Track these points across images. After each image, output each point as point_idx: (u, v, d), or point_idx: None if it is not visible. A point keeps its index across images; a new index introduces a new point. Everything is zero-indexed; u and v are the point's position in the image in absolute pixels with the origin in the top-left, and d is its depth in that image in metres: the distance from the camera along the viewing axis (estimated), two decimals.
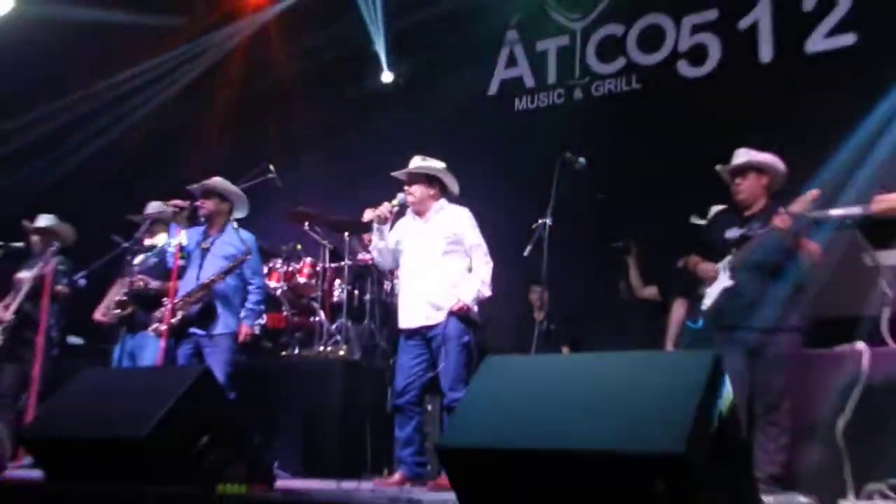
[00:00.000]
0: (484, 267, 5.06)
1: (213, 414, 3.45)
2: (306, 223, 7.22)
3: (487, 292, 5.03)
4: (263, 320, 6.83)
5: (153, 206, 6.06)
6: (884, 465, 4.43)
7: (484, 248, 5.10)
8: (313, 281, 7.04)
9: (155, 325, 5.36)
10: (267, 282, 6.92)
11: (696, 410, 2.32)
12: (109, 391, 3.73)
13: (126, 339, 5.85)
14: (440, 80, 8.53)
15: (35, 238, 6.41)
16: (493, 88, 8.53)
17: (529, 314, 6.95)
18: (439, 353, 4.95)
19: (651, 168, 7.00)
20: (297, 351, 6.84)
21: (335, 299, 7.00)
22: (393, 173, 5.31)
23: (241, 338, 5.51)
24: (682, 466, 2.24)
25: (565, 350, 6.73)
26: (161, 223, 5.94)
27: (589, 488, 2.38)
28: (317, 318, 6.88)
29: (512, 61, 8.44)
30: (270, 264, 7.16)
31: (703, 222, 5.23)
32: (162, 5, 8.86)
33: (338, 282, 7.03)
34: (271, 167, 6.89)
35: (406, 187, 5.20)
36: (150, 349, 5.72)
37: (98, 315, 6.23)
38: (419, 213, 5.22)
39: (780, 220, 4.53)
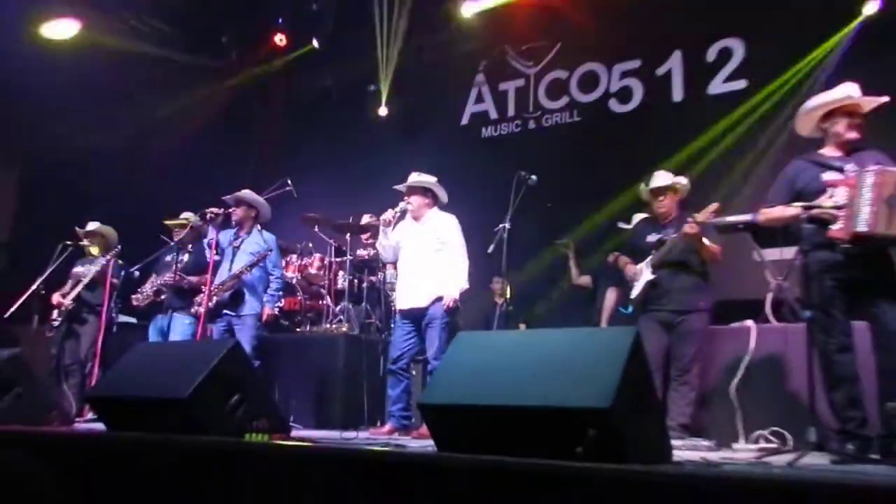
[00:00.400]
0: (462, 264, 5.06)
1: (242, 378, 3.41)
2: (315, 226, 7.21)
3: (466, 285, 5.04)
4: (282, 304, 6.82)
5: (187, 215, 6.04)
6: (766, 416, 4.49)
7: (464, 249, 5.10)
8: (321, 272, 7.02)
9: (195, 308, 5.35)
10: (284, 272, 6.90)
11: (620, 374, 2.34)
12: (159, 360, 3.68)
13: (158, 319, 5.86)
14: (424, 112, 8.56)
15: (86, 241, 6.36)
16: (464, 119, 8.56)
17: (492, 299, 6.98)
18: (426, 330, 5.00)
19: (588, 183, 7.05)
20: (308, 328, 6.81)
21: (339, 286, 6.98)
22: (395, 186, 5.31)
23: (263, 318, 5.49)
24: (608, 418, 2.27)
25: (522, 327, 6.75)
26: (194, 229, 5.92)
27: (537, 435, 2.39)
28: (324, 302, 6.86)
29: (480, 98, 8.48)
30: (287, 258, 7.13)
31: (628, 227, 5.27)
32: (206, 48, 8.77)
33: (341, 273, 7.01)
34: (289, 181, 6.86)
35: (406, 197, 5.20)
36: (178, 327, 5.71)
37: (134, 301, 6.17)
38: (416, 218, 5.23)
39: (690, 228, 4.59)
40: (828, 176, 3.58)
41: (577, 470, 2.19)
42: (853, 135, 3.67)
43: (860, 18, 6.08)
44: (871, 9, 6.03)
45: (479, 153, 8.13)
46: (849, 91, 3.72)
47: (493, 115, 8.33)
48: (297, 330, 6.79)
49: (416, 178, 5.23)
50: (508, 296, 7.02)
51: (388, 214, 5.15)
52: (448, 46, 8.27)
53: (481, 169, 7.61)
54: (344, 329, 6.45)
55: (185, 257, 5.79)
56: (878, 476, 2.57)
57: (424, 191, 5.21)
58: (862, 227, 3.36)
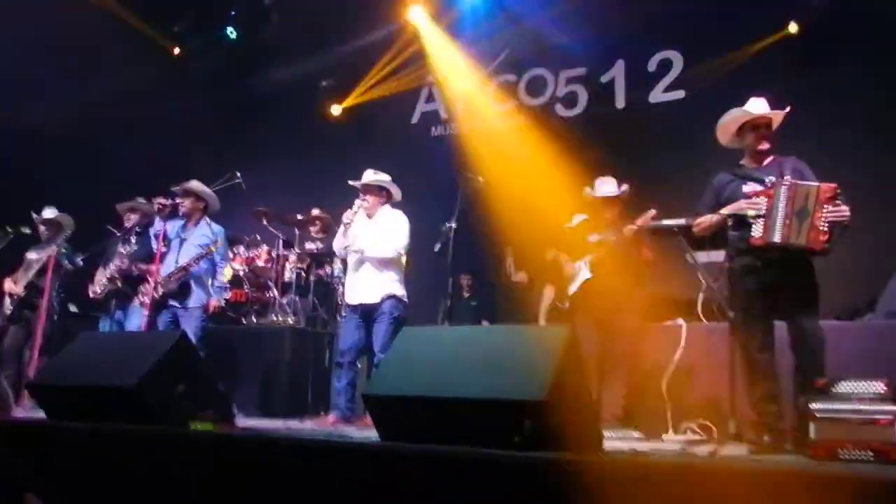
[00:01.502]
0: (392, 250, 5.09)
1: (188, 369, 3.43)
2: (264, 219, 7.17)
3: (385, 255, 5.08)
4: (228, 295, 6.76)
5: (138, 201, 5.94)
6: (694, 410, 4.70)
7: (403, 243, 5.12)
8: (269, 264, 6.99)
9: (141, 299, 5.29)
10: (231, 264, 6.85)
11: (554, 368, 2.47)
12: (105, 349, 3.67)
13: (115, 311, 5.73)
14: (377, 110, 8.56)
15: (42, 227, 6.20)
16: (415, 118, 8.59)
17: (459, 294, 7.11)
18: (375, 324, 5.04)
19: (533, 184, 7.16)
20: (255, 320, 6.78)
21: (286, 279, 6.97)
22: (351, 182, 5.33)
23: (210, 310, 5.46)
24: (542, 409, 2.38)
25: (485, 323, 6.82)
26: (144, 215, 5.83)
27: (475, 425, 2.49)
28: (271, 294, 6.84)
29: (430, 98, 8.52)
30: (235, 250, 7.07)
31: (570, 225, 5.42)
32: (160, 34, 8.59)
33: (288, 265, 7.00)
34: (238, 174, 6.80)
35: (361, 195, 5.22)
36: (135, 318, 5.59)
37: (91, 294, 6.02)
38: (369, 215, 5.26)
39: (628, 231, 4.79)
40: (748, 188, 3.80)
41: (514, 458, 2.30)
42: (763, 146, 3.91)
43: (780, 35, 6.38)
44: (794, 28, 6.33)
45: (428, 150, 8.18)
46: (755, 106, 3.95)
47: (444, 114, 8.39)
48: (243, 321, 6.76)
49: (372, 176, 5.28)
50: (474, 292, 7.20)
51: (349, 215, 5.17)
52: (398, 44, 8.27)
53: (430, 167, 7.67)
54: (290, 321, 6.45)
55: (133, 245, 5.68)
56: (786, 463, 2.76)
57: (380, 189, 5.26)
58: (776, 238, 3.61)
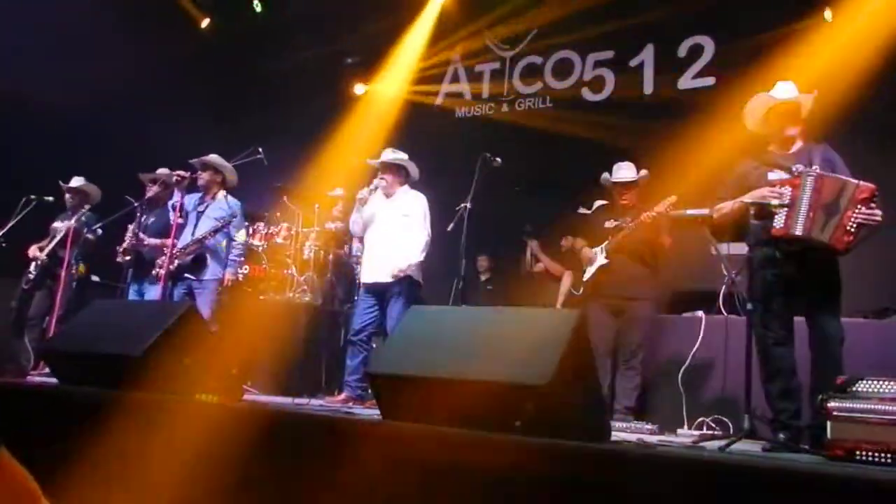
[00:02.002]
0: (420, 238, 5.08)
1: (196, 340, 3.42)
2: (285, 196, 7.16)
3: (417, 259, 5.06)
4: (246, 270, 6.77)
5: (161, 171, 5.95)
6: (710, 404, 4.61)
7: (426, 225, 5.11)
8: (288, 241, 6.98)
9: (156, 271, 5.30)
10: (251, 240, 6.85)
11: (560, 354, 2.39)
12: (115, 318, 3.67)
13: (133, 282, 5.73)
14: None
15: (68, 196, 6.25)
16: (439, 99, 8.50)
17: (477, 276, 7.09)
18: (389, 304, 5.04)
19: (556, 168, 7.07)
20: (272, 296, 6.78)
21: (305, 257, 6.96)
22: (369, 161, 5.30)
23: (224, 282, 5.46)
24: (545, 394, 2.32)
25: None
26: (167, 186, 5.83)
27: (477, 408, 2.43)
28: (289, 272, 6.83)
29: (455, 79, 8.42)
30: (255, 226, 7.07)
31: (588, 212, 5.33)
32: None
33: (307, 243, 6.99)
34: (260, 150, 6.79)
35: (381, 174, 5.20)
36: (153, 289, 5.61)
37: (119, 259, 6.07)
38: (387, 195, 5.23)
39: (647, 217, 4.67)
40: (774, 175, 3.66)
41: (513, 442, 2.24)
42: (790, 131, 3.76)
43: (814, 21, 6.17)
44: (829, 15, 6.11)
45: (453, 133, 8.10)
46: (782, 90, 3.80)
47: (468, 96, 8.30)
48: (261, 297, 6.76)
49: (390, 155, 5.24)
50: (491, 275, 7.15)
51: (364, 192, 5.16)
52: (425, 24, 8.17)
53: (454, 149, 7.57)
54: (306, 299, 6.44)
55: (151, 217, 5.69)
56: (800, 462, 2.67)
57: (398, 168, 5.22)
58: (797, 231, 3.47)
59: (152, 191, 5.85)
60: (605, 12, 7.26)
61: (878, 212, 3.38)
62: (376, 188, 5.19)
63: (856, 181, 3.44)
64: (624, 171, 4.99)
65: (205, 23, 8.90)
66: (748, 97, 6.07)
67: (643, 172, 5.01)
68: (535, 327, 2.59)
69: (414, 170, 5.27)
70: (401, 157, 5.23)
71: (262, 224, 7.14)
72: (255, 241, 6.90)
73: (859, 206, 3.37)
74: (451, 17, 8.09)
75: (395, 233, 5.08)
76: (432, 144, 7.70)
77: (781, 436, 3.46)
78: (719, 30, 6.77)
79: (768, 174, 3.69)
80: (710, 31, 6.83)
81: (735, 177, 3.89)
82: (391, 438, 2.45)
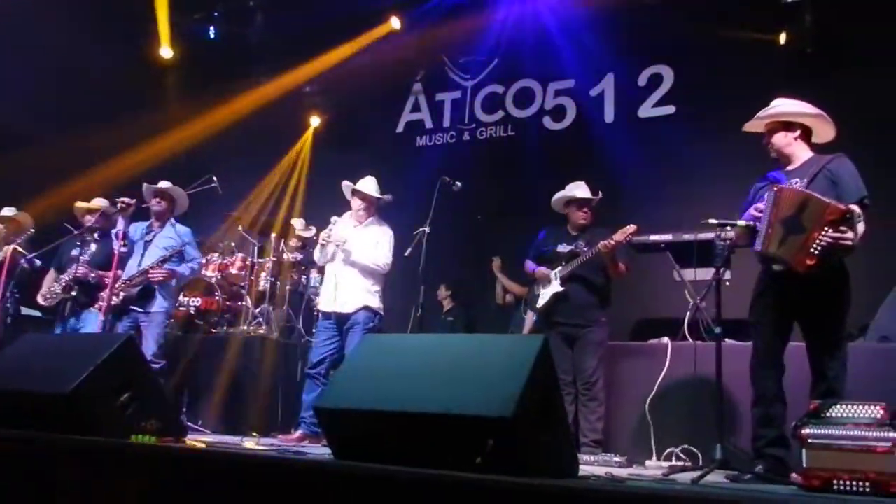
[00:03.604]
0: (379, 262, 4.98)
1: (134, 376, 3.16)
2: (239, 225, 6.94)
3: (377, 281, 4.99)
4: (199, 303, 6.51)
5: (99, 201, 5.66)
6: (679, 434, 4.47)
7: (385, 257, 5.01)
8: (243, 272, 6.74)
9: (99, 304, 4.99)
10: (204, 272, 6.60)
11: (524, 382, 2.22)
12: (44, 353, 3.38)
13: (69, 317, 5.24)
14: (361, 118, 8.38)
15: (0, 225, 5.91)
16: (400, 127, 8.41)
17: (439, 306, 6.96)
18: (347, 335, 4.89)
19: (519, 197, 6.98)
20: (225, 329, 6.51)
21: (260, 288, 6.72)
22: (345, 183, 5.24)
23: (158, 276, 5.05)
24: (509, 427, 2.14)
25: None
26: (107, 216, 5.52)
27: (434, 443, 2.24)
28: (243, 303, 6.58)
29: (416, 107, 8.34)
30: (208, 257, 6.82)
31: (540, 237, 5.21)
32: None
33: (263, 274, 6.76)
34: (214, 178, 6.58)
35: (359, 201, 5.14)
36: (91, 324, 5.24)
37: (40, 300, 5.66)
38: (358, 221, 5.13)
39: (605, 246, 4.59)
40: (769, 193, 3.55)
41: (474, 481, 2.05)
42: (786, 150, 3.63)
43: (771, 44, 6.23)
44: (783, 38, 6.21)
45: (413, 161, 7.99)
46: (775, 107, 3.71)
47: (429, 124, 8.21)
48: (213, 331, 6.48)
49: (370, 186, 5.13)
50: (453, 305, 6.98)
51: (325, 234, 5.10)
52: (385, 54, 8.10)
53: (414, 177, 7.45)
54: (262, 331, 6.19)
55: (92, 247, 5.37)
56: (778, 495, 2.53)
57: (375, 199, 5.14)
58: (758, 247, 3.35)
59: (91, 220, 5.49)
60: (565, 43, 7.30)
61: (850, 234, 3.18)
62: (335, 225, 5.08)
63: (828, 201, 3.23)
64: (581, 190, 4.93)
65: (166, 52, 8.60)
66: (708, 125, 6.17)
67: (598, 194, 4.96)
68: (496, 355, 2.42)
69: (385, 201, 5.21)
70: (377, 191, 5.18)
71: (215, 255, 6.91)
72: (209, 273, 6.66)
73: (826, 228, 3.17)
74: (410, 46, 8.01)
75: (360, 262, 4.95)
76: (392, 173, 7.58)
77: (760, 466, 3.28)
78: (678, 59, 6.82)
79: (767, 192, 3.59)
80: (669, 61, 6.87)
81: (748, 196, 3.74)
82: (342, 480, 2.23)
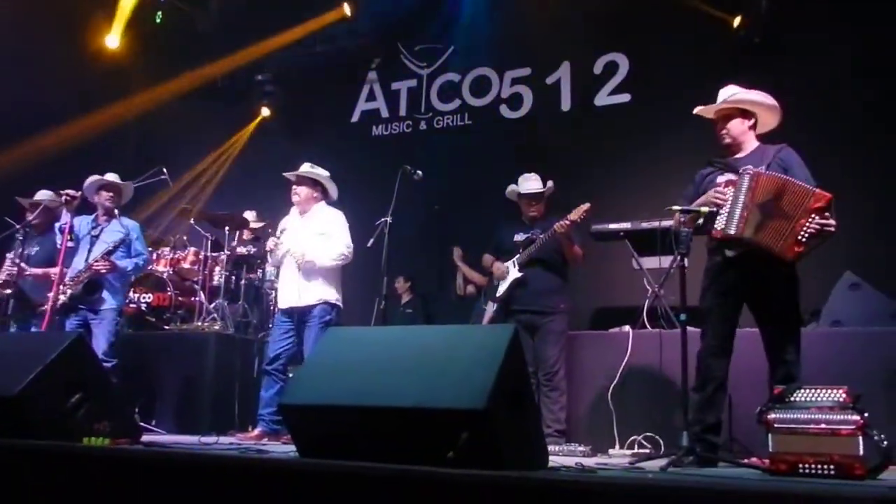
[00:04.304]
0: (337, 252, 4.78)
1: (84, 375, 3.02)
2: (191, 218, 6.73)
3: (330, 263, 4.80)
4: (150, 298, 6.31)
5: (43, 194, 5.40)
6: (641, 422, 4.51)
7: (345, 245, 4.82)
8: (195, 267, 6.53)
9: (45, 305, 4.76)
10: (155, 266, 6.39)
11: (496, 373, 2.18)
12: None
13: (11, 319, 5.05)
14: (314, 108, 8.22)
15: None
16: (355, 117, 8.28)
17: (397, 299, 6.84)
18: (305, 329, 4.74)
19: (476, 186, 6.94)
20: (178, 325, 6.31)
21: (214, 283, 6.53)
22: (285, 174, 5.03)
23: (100, 267, 4.83)
24: (483, 420, 2.10)
25: None
26: (49, 210, 5.27)
27: (405, 438, 2.19)
28: (197, 299, 6.39)
29: (371, 96, 8.21)
30: (159, 252, 6.60)
31: (501, 225, 5.19)
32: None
33: (217, 268, 6.57)
34: (164, 170, 6.38)
35: (294, 187, 4.92)
36: (36, 325, 5.01)
37: None
38: (302, 212, 4.95)
39: (561, 227, 4.57)
40: (723, 177, 3.56)
41: (448, 476, 2.00)
42: (740, 138, 3.65)
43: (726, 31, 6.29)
44: (737, 21, 6.26)
45: (369, 151, 7.88)
46: (733, 94, 3.72)
47: (385, 113, 8.10)
48: (166, 327, 6.28)
49: (308, 168, 4.97)
50: (412, 296, 6.90)
51: (270, 243, 4.92)
52: (339, 41, 7.96)
53: (370, 167, 7.35)
54: (217, 327, 6.02)
55: (35, 247, 5.12)
56: (750, 481, 2.55)
57: (314, 183, 4.96)
58: (731, 230, 3.36)
59: (34, 217, 5.23)
60: (521, 31, 7.27)
61: (833, 221, 3.21)
62: (283, 231, 4.91)
63: (811, 188, 3.27)
64: (532, 183, 4.91)
65: (113, 41, 8.27)
66: (664, 113, 6.22)
67: (549, 184, 4.94)
68: (466, 346, 2.37)
69: (333, 189, 5.01)
70: (320, 172, 4.96)
71: (166, 249, 6.69)
72: (160, 268, 6.45)
73: (813, 216, 3.20)
74: (365, 34, 7.88)
75: (320, 264, 4.79)
76: (348, 163, 7.46)
77: (698, 449, 3.27)
78: (633, 47, 6.86)
79: (718, 177, 3.61)
80: (624, 49, 6.91)
81: (693, 183, 3.77)
82: (309, 478, 2.16)
